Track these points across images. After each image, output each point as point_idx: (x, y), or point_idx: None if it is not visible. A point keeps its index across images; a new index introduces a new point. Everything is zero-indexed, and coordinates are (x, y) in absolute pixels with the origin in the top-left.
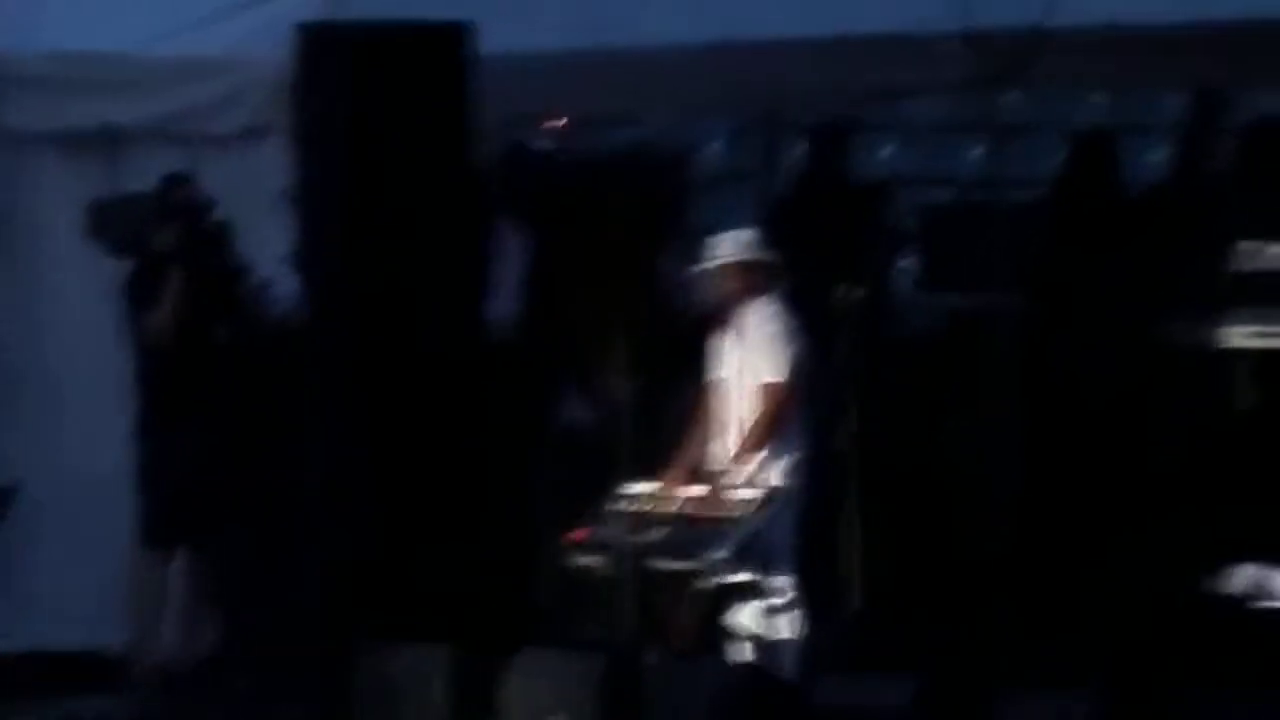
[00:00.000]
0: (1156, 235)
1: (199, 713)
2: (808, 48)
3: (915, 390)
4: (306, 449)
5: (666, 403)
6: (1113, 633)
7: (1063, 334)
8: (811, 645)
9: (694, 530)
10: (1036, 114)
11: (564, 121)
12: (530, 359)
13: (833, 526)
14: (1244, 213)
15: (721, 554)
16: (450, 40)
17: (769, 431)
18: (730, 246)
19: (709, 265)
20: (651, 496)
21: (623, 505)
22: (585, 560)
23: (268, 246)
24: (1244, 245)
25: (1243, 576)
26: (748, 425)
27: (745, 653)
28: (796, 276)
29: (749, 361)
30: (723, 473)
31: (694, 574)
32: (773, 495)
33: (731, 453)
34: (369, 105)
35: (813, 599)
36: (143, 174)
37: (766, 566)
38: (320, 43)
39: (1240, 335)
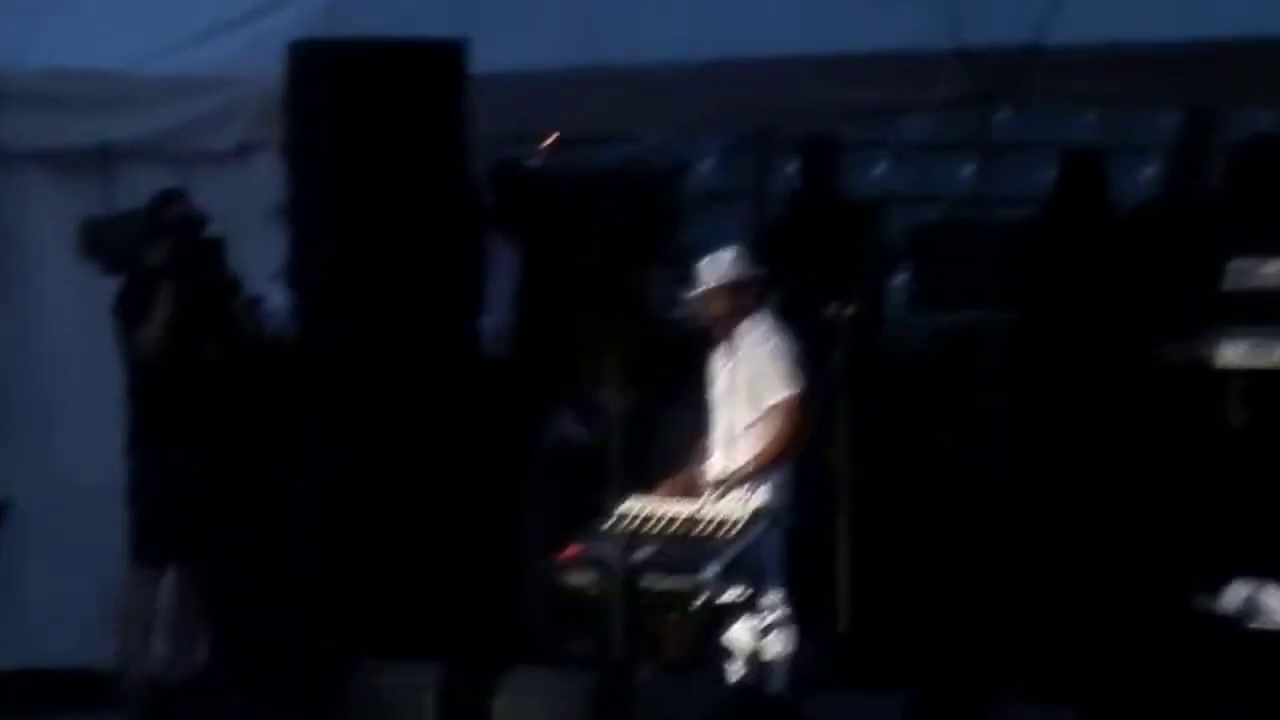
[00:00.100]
0: (1148, 253)
1: None
2: (800, 65)
3: (906, 407)
4: (298, 464)
5: (658, 419)
6: (1104, 649)
7: (1054, 352)
8: (802, 662)
9: (685, 548)
10: (1028, 132)
11: (556, 138)
12: (522, 375)
13: (823, 543)
14: (1235, 231)
15: (713, 571)
16: (443, 57)
17: (788, 448)
18: (716, 270)
19: (697, 291)
20: (643, 514)
21: (614, 522)
22: (576, 578)
23: (261, 263)
24: (1235, 264)
25: (1235, 594)
26: (765, 443)
27: (737, 670)
28: (788, 293)
29: (744, 379)
30: (714, 490)
31: (685, 591)
32: (764, 512)
33: (750, 469)
34: (362, 122)
35: (803, 615)
36: (136, 191)
37: (757, 583)
38: (314, 60)
39: (1231, 353)
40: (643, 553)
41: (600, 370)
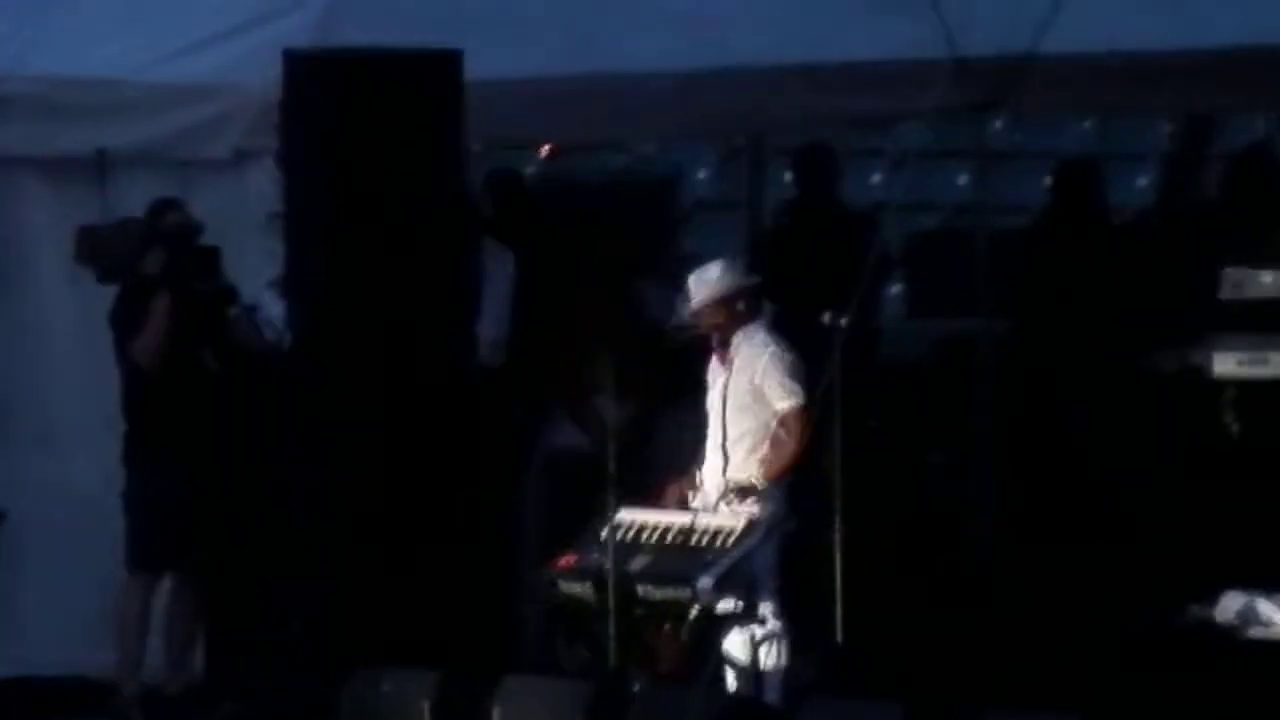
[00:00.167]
0: (1143, 262)
1: None
2: (796, 74)
3: (902, 416)
4: (294, 473)
5: (655, 429)
6: (1099, 659)
7: (1048, 360)
8: (797, 672)
9: (680, 557)
10: (1024, 141)
11: (553, 147)
12: (517, 384)
13: (818, 553)
14: (1230, 240)
15: (708, 581)
16: (439, 66)
17: (796, 458)
18: (705, 282)
19: (688, 305)
20: (638, 523)
21: (609, 532)
22: (571, 587)
23: (257, 271)
24: (1230, 272)
25: (1230, 604)
26: (776, 454)
27: (731, 680)
28: (783, 303)
29: (742, 388)
30: (724, 502)
31: (680, 601)
32: (758, 522)
33: (762, 482)
34: (358, 131)
35: (798, 626)
36: (132, 198)
37: (752, 594)
38: (309, 69)
39: (1226, 362)
40: (638, 562)
41: (596, 379)
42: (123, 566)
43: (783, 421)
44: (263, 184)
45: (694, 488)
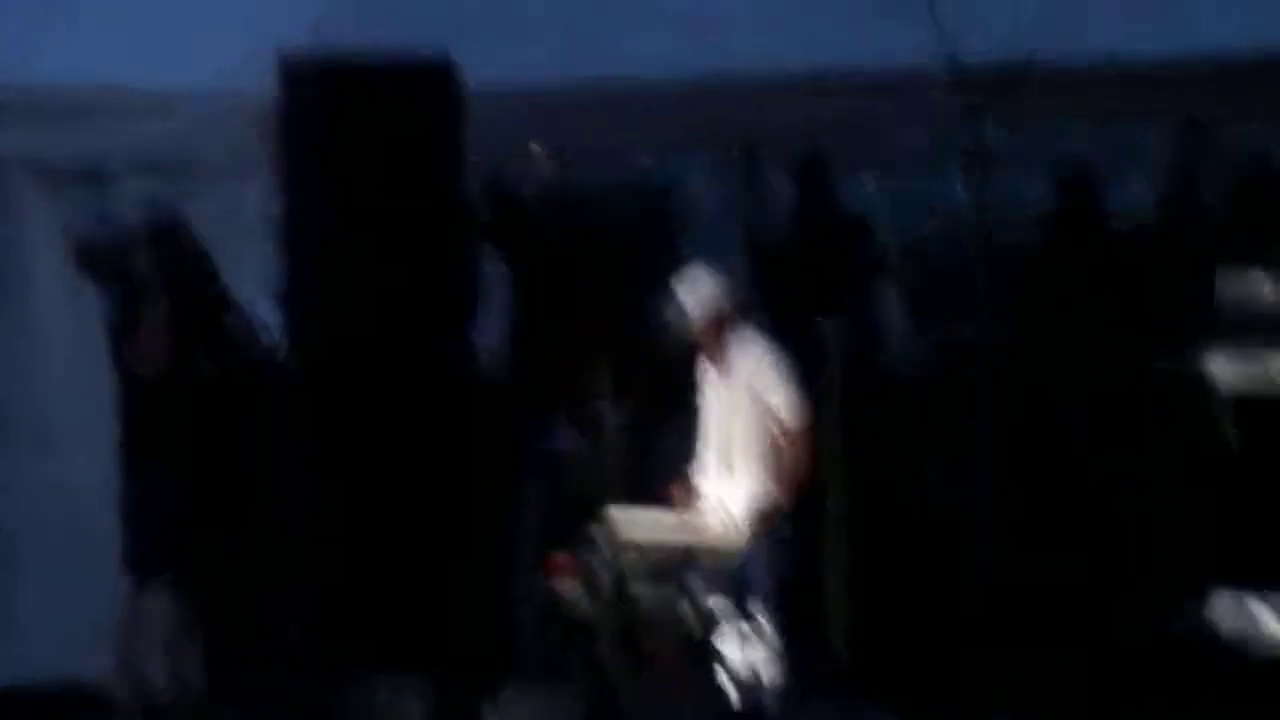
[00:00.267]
0: (1140, 269)
1: None
2: (792, 81)
3: (897, 423)
4: (290, 479)
5: (650, 433)
6: (1096, 665)
7: (1046, 366)
8: (794, 677)
9: (676, 560)
10: (1019, 146)
11: (549, 154)
12: (514, 389)
13: (816, 557)
14: (1228, 246)
15: (704, 584)
16: (435, 73)
17: (807, 462)
18: (694, 292)
19: (678, 315)
20: (634, 526)
21: (605, 534)
22: (566, 589)
23: (252, 277)
24: (1228, 279)
25: (1226, 610)
26: (781, 456)
27: (727, 682)
28: (780, 308)
29: (740, 395)
30: (705, 503)
31: (675, 604)
32: (755, 527)
33: (782, 495)
34: (354, 137)
35: (795, 630)
36: (129, 204)
37: (749, 596)
38: (305, 75)
39: (1223, 369)
40: (634, 565)
41: (593, 384)
42: (119, 572)
43: (782, 428)
44: (258, 190)
45: (694, 493)
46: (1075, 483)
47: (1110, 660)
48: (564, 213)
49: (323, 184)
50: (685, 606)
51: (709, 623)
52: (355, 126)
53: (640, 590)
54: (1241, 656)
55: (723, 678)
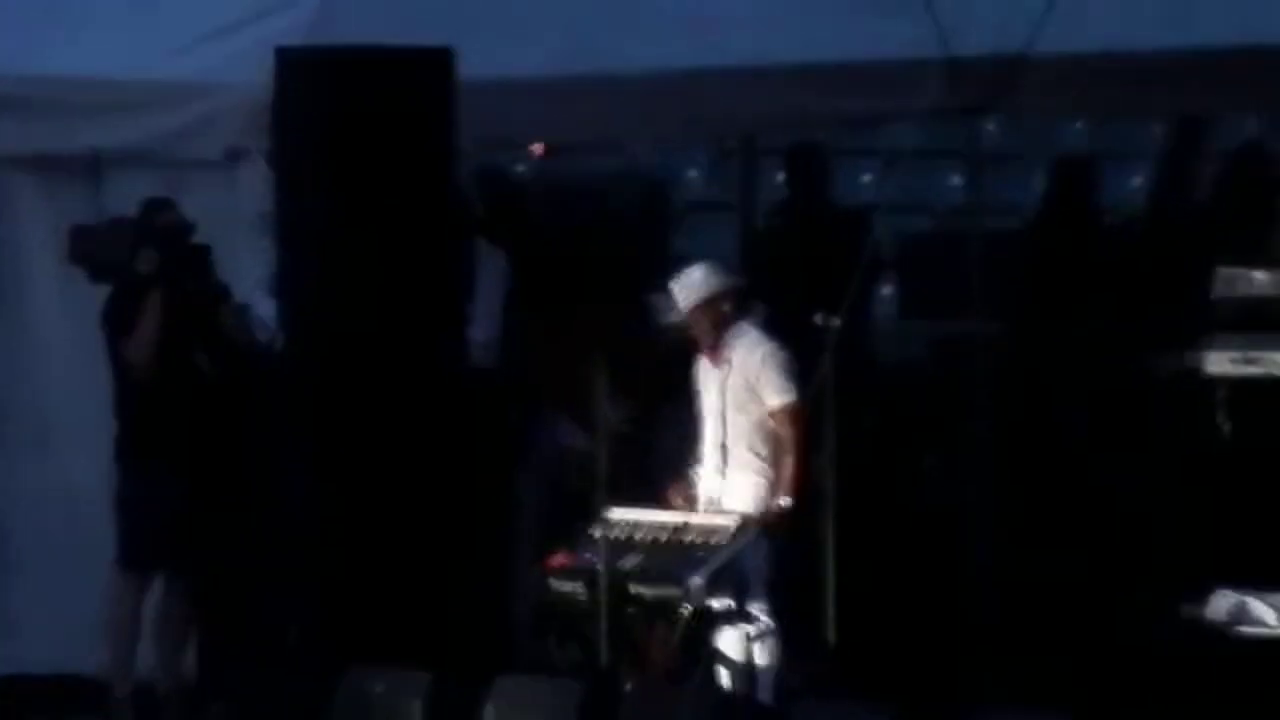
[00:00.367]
0: (1136, 262)
1: None
2: (788, 74)
3: (893, 417)
4: (285, 473)
5: (649, 428)
6: (1092, 658)
7: (1042, 361)
8: (789, 671)
9: (672, 557)
10: (1017, 142)
11: (545, 146)
12: (510, 384)
13: (810, 553)
14: (1223, 239)
15: (699, 580)
16: (431, 65)
17: (804, 452)
18: (689, 288)
19: (673, 312)
20: (630, 523)
21: (602, 531)
22: (564, 586)
23: (249, 271)
24: (1224, 272)
25: (1222, 602)
26: (784, 450)
27: (723, 679)
28: (775, 304)
29: (737, 388)
30: (700, 498)
31: (672, 600)
32: (751, 522)
33: (791, 488)
34: (350, 130)
35: (791, 625)
36: (124, 198)
37: (744, 592)
38: (301, 67)
39: (1219, 362)
40: (630, 562)
41: (589, 379)
42: (115, 567)
43: (778, 421)
44: (255, 183)
45: (691, 489)
46: (1072, 479)
47: (1107, 657)
48: (560, 205)
49: (318, 176)
50: (683, 604)
51: (706, 620)
52: (351, 119)
53: (638, 588)
54: (1237, 649)
55: (720, 675)
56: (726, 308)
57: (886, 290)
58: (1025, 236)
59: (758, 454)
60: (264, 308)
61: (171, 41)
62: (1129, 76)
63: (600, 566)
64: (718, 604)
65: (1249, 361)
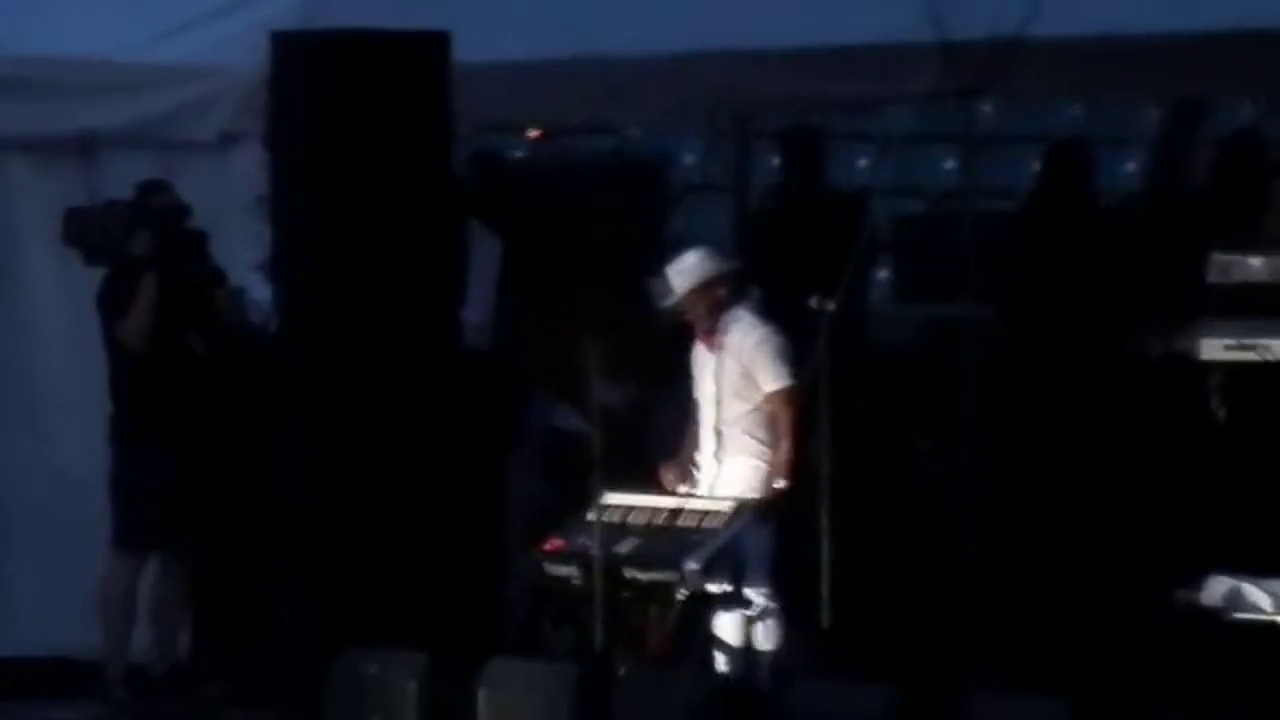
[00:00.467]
0: (1130, 246)
1: (172, 718)
2: (783, 57)
3: (889, 400)
4: (280, 455)
5: (645, 412)
6: (1087, 641)
7: (1036, 344)
8: (786, 654)
9: (668, 540)
10: (1011, 125)
11: (542, 130)
12: (504, 367)
13: (807, 535)
14: (1219, 224)
15: (695, 565)
16: (425, 48)
17: (799, 435)
18: (683, 273)
19: (669, 298)
20: (626, 507)
21: (597, 515)
22: (559, 570)
23: (243, 253)
24: (1218, 257)
25: (1218, 587)
26: (781, 434)
27: (719, 663)
28: (769, 287)
29: (733, 372)
30: (698, 482)
31: (668, 584)
32: (746, 505)
33: (775, 461)
34: (344, 113)
35: (788, 608)
36: (118, 180)
37: (740, 577)
38: (296, 50)
39: (1214, 347)
40: (625, 545)
41: (584, 363)
42: (110, 548)
43: (774, 405)
44: (249, 166)
45: (689, 473)
46: (1066, 462)
47: (1102, 641)
48: (555, 188)
49: (312, 159)
50: (676, 585)
51: (702, 605)
52: (346, 103)
53: (633, 572)
54: (1232, 633)
55: (716, 659)
56: (722, 292)
57: (882, 273)
58: (1020, 220)
59: (755, 438)
60: (259, 290)
61: (166, 24)
62: (1124, 60)
63: (595, 551)
64: (714, 588)
65: (1244, 347)
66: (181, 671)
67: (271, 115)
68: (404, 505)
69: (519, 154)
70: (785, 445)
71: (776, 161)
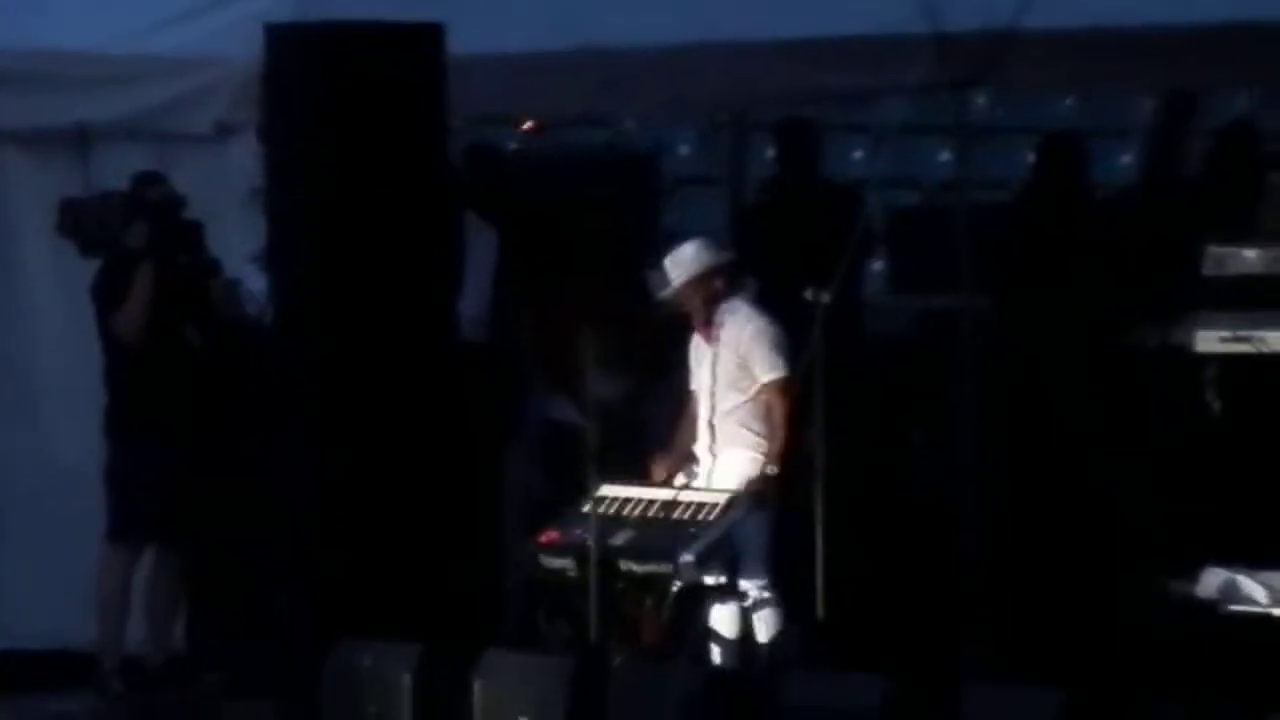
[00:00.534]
0: (1125, 238)
1: (167, 711)
2: (777, 49)
3: (883, 392)
4: (276, 446)
5: (641, 404)
6: (1082, 634)
7: (1031, 336)
8: (781, 646)
9: (663, 533)
10: (1006, 117)
11: (537, 122)
12: (500, 360)
13: (801, 527)
14: (1212, 215)
15: (689, 556)
16: (420, 41)
17: (790, 428)
18: (681, 264)
19: (666, 289)
20: (621, 498)
21: (593, 507)
22: (554, 562)
23: (239, 245)
24: (1214, 249)
25: (1212, 579)
26: (772, 425)
27: (713, 654)
28: (764, 279)
29: (729, 364)
30: (693, 473)
31: (662, 576)
32: (741, 497)
33: (777, 461)
34: (339, 105)
35: (784, 599)
36: (113, 171)
37: (735, 568)
38: (291, 42)
39: (1209, 339)
40: (620, 537)
41: (579, 355)
42: (105, 540)
43: (767, 395)
44: (244, 158)
45: (683, 466)
46: (1061, 454)
47: (1097, 632)
48: (550, 180)
49: (308, 151)
50: (671, 577)
51: (697, 596)
52: (342, 94)
53: (628, 564)
54: (1226, 626)
55: (711, 651)
56: (719, 284)
57: (876, 265)
58: (1014, 212)
59: (751, 430)
60: (254, 282)
61: (161, 15)
62: (1118, 51)
63: (590, 542)
64: (709, 580)
65: (1239, 339)
66: (177, 663)
67: (266, 107)
68: (400, 498)
69: (514, 146)
70: (777, 436)
71: (771, 153)
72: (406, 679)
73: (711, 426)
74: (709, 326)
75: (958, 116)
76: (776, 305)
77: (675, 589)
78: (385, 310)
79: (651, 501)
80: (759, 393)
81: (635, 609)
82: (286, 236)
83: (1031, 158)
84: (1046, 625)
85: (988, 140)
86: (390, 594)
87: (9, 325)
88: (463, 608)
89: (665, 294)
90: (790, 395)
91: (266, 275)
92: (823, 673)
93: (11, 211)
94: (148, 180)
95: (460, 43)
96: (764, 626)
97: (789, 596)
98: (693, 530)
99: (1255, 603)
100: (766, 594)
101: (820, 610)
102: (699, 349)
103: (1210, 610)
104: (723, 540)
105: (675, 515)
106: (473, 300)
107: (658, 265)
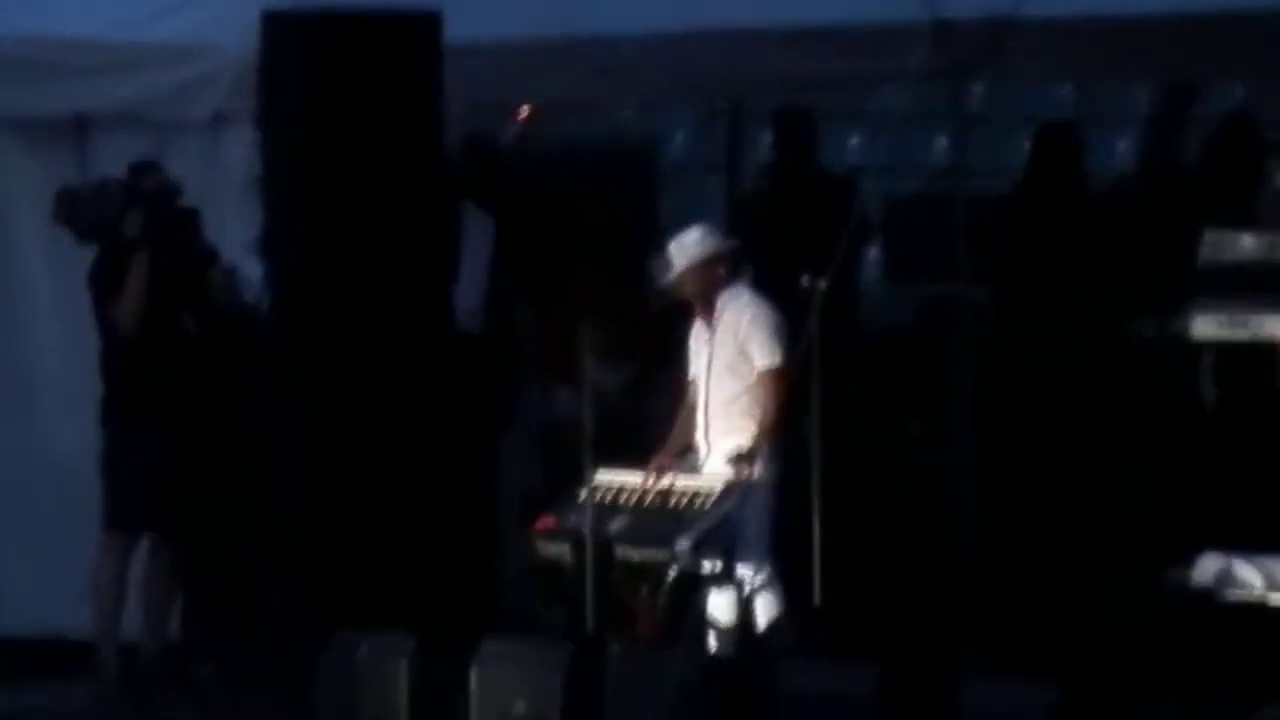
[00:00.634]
0: (1122, 226)
1: (162, 700)
2: (775, 37)
3: (880, 379)
4: (272, 436)
5: (640, 391)
6: (1077, 621)
7: (1028, 325)
8: (777, 633)
9: (659, 520)
10: (1003, 105)
11: (532, 110)
12: (496, 348)
13: (798, 515)
14: (1209, 203)
15: (686, 543)
16: (416, 28)
17: (781, 416)
18: (684, 250)
19: (668, 274)
20: (617, 486)
21: (588, 494)
22: (550, 549)
23: (236, 233)
24: (1211, 236)
25: (1207, 567)
26: (762, 415)
27: (710, 641)
28: (761, 266)
29: (728, 351)
30: (692, 461)
31: (659, 563)
32: (737, 484)
33: (758, 443)
34: (336, 93)
35: (777, 587)
36: (110, 159)
37: (731, 555)
38: (288, 30)
39: (1206, 326)
40: (616, 524)
41: (576, 343)
42: (101, 529)
43: (761, 381)
44: (241, 146)
45: (689, 452)
46: (1057, 442)
47: (1092, 620)
48: (547, 169)
49: (304, 139)
50: (667, 564)
51: (694, 583)
52: (338, 83)
53: (625, 551)
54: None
55: (708, 638)
56: (722, 270)
57: (873, 253)
58: (1011, 200)
59: (750, 416)
60: (251, 270)
61: (158, 4)
62: (1115, 40)
63: (587, 529)
64: (706, 566)
65: (1235, 326)
66: (173, 652)
67: (263, 95)
68: (396, 487)
69: (510, 134)
70: (775, 424)
71: (769, 141)
72: (403, 668)
73: (710, 413)
74: (710, 313)
75: (955, 104)
76: (773, 292)
77: (671, 575)
78: (381, 299)
79: (648, 489)
80: (755, 379)
81: (632, 596)
82: (283, 224)
83: (1029, 146)
84: (1043, 613)
85: (985, 128)
86: (386, 584)
87: (5, 313)
88: (459, 598)
89: (668, 279)
90: (783, 382)
91: (263, 263)
92: (819, 661)
93: (8, 200)
94: (144, 169)
95: (457, 30)
96: (761, 613)
97: (786, 584)
98: (690, 517)
99: (1251, 588)
100: (763, 581)
101: (817, 597)
102: (699, 336)
103: (1206, 596)
104: (719, 527)
105: (671, 503)
106: (468, 290)
107: (657, 253)
